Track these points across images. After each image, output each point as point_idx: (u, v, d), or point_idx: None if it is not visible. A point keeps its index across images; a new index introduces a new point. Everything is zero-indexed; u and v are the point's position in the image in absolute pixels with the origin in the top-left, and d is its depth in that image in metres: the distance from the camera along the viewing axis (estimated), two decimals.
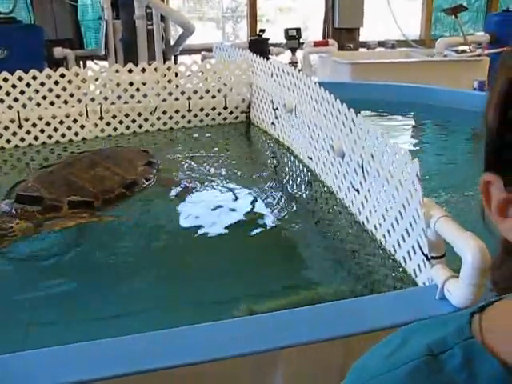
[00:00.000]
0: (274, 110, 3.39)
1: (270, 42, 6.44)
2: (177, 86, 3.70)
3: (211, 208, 2.54)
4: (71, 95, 3.43)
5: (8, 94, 3.30)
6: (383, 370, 0.57)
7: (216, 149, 3.42)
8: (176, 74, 3.69)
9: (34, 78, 3.32)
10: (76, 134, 3.49)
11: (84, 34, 6.68)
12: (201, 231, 2.27)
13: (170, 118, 3.70)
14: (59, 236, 2.21)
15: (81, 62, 6.36)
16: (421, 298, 1.45)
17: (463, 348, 0.55)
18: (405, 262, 1.75)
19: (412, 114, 4.32)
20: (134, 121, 3.61)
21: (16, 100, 3.32)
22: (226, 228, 2.28)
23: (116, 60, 5.72)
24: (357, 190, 2.18)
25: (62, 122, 3.44)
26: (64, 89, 3.40)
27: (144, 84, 3.56)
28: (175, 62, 5.19)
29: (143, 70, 3.56)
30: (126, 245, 2.19)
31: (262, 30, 6.50)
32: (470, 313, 0.59)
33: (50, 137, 3.44)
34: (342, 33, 7.08)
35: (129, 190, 2.56)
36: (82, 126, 3.50)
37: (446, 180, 2.77)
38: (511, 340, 0.54)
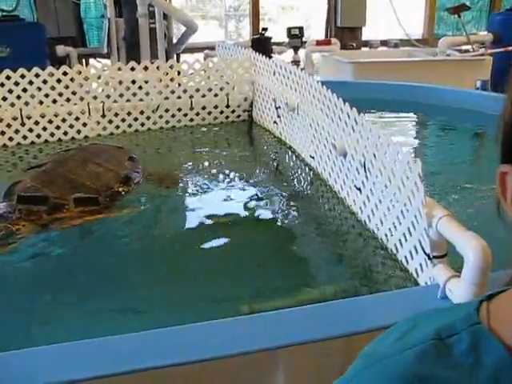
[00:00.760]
0: (276, 108, 3.39)
1: (272, 40, 6.43)
2: (179, 85, 3.70)
3: (212, 206, 2.54)
4: (73, 93, 3.43)
5: (10, 91, 3.30)
6: (392, 353, 0.58)
7: (218, 147, 3.42)
8: (178, 73, 3.70)
9: (37, 75, 3.33)
10: (78, 131, 3.49)
11: (86, 32, 6.68)
12: (200, 230, 2.27)
13: (173, 116, 3.70)
14: (66, 235, 2.20)
15: (83, 60, 6.37)
16: (422, 298, 1.45)
17: (470, 333, 0.57)
18: (406, 261, 1.75)
19: (414, 113, 4.31)
20: (136, 119, 3.61)
21: (18, 97, 3.32)
22: (226, 226, 2.28)
23: (118, 58, 5.73)
24: (359, 189, 2.18)
25: (64, 120, 3.45)
26: (66, 87, 3.40)
27: (146, 82, 3.56)
28: (178, 61, 5.20)
29: (145, 68, 3.56)
30: (126, 243, 2.18)
31: (265, 29, 6.50)
32: (478, 300, 0.60)
33: (52, 135, 3.44)
34: (345, 32, 7.07)
35: (125, 185, 2.56)
36: (85, 124, 3.50)
37: (448, 179, 2.76)
38: None
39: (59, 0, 6.25)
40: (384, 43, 7.27)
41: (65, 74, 3.39)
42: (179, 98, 3.68)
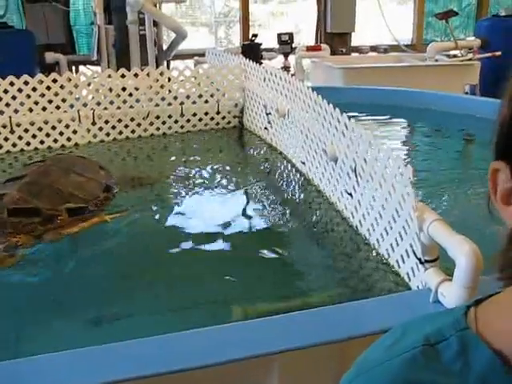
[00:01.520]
0: (267, 114, 3.39)
1: (262, 46, 6.45)
2: (169, 91, 3.69)
3: (203, 212, 2.54)
4: (63, 100, 3.41)
5: (0, 99, 3.29)
6: (383, 360, 0.59)
7: (209, 154, 3.42)
8: (169, 79, 3.69)
9: (26, 83, 3.31)
10: (68, 139, 3.48)
11: (76, 39, 6.67)
12: (191, 236, 2.26)
13: (163, 123, 3.69)
14: (64, 244, 2.19)
15: (73, 67, 6.35)
16: (415, 302, 1.45)
17: (459, 338, 0.58)
18: (398, 265, 1.76)
19: (404, 118, 4.34)
20: (126, 126, 3.60)
21: (8, 105, 3.30)
22: (217, 233, 2.27)
23: (108, 65, 5.72)
24: (350, 195, 2.18)
25: (54, 128, 3.43)
26: (56, 94, 3.39)
27: (137, 89, 3.56)
28: (168, 67, 5.19)
29: (136, 75, 3.55)
30: (118, 250, 2.18)
31: (255, 35, 6.52)
32: (466, 306, 0.62)
33: (42, 142, 3.42)
34: (334, 37, 7.11)
35: (108, 193, 2.57)
36: (75, 132, 3.49)
37: (437, 183, 2.77)
38: (503, 331, 0.56)
39: (48, 7, 6.24)
40: (373, 49, 7.32)
41: (54, 81, 3.37)
42: (170, 104, 3.68)
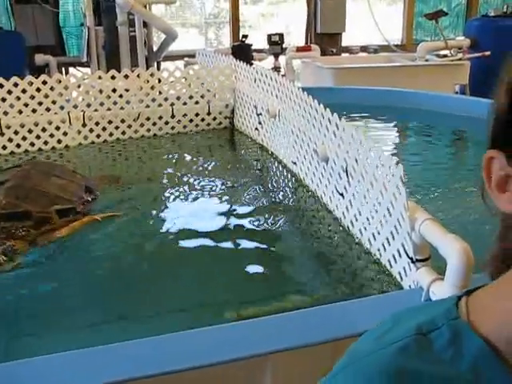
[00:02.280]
0: (258, 115, 3.39)
1: (252, 47, 6.45)
2: (160, 93, 3.69)
3: (194, 213, 2.54)
4: (53, 102, 3.40)
5: None
6: (373, 350, 0.59)
7: (200, 154, 3.42)
8: (159, 80, 3.68)
9: (16, 84, 3.29)
10: (59, 141, 3.46)
11: (66, 41, 6.63)
12: (183, 237, 2.26)
13: (154, 124, 3.68)
14: (59, 246, 2.17)
15: (63, 69, 6.32)
16: (407, 301, 1.46)
17: (450, 327, 0.59)
18: (390, 265, 1.76)
19: (395, 117, 4.35)
20: (117, 127, 3.59)
21: None
22: (209, 234, 2.27)
23: (98, 67, 5.69)
24: (341, 195, 2.19)
25: (44, 130, 3.41)
26: (46, 96, 3.37)
27: (127, 90, 3.55)
28: (158, 69, 5.18)
29: (126, 77, 3.54)
30: (109, 252, 2.17)
31: (245, 36, 6.51)
32: (457, 296, 0.63)
33: (32, 144, 3.40)
34: (324, 38, 7.11)
35: (92, 194, 2.57)
36: (65, 133, 3.47)
37: (429, 182, 2.78)
38: (493, 319, 0.58)
39: (38, 8, 6.20)
40: (364, 49, 7.34)
41: (44, 82, 3.36)
42: (160, 106, 3.67)
